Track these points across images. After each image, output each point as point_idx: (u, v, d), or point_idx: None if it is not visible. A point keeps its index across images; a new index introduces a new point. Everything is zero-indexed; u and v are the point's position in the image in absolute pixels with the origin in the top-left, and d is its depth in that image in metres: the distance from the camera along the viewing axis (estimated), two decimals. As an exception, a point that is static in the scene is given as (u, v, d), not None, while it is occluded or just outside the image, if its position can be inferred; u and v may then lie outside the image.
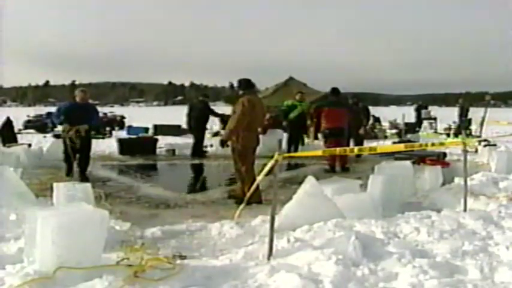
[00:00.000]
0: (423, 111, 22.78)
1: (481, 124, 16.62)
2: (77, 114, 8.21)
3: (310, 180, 4.83)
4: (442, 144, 8.84)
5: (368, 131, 11.49)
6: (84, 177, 8.04)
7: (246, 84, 6.58)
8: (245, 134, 6.31)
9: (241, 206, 5.14)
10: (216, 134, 16.28)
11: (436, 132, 20.32)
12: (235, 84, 6.75)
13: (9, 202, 5.21)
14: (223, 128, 11.69)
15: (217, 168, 10.59)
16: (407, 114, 19.00)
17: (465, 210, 5.18)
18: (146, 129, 18.36)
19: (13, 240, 4.15)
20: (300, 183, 4.98)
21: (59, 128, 10.81)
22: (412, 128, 19.10)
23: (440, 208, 5.35)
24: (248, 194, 5.32)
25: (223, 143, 6.51)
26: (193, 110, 12.05)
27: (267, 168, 4.14)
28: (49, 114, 23.43)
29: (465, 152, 5.51)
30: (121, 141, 12.52)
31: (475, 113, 18.73)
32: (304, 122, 11.88)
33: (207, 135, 13.73)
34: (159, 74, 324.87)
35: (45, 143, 12.92)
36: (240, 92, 6.51)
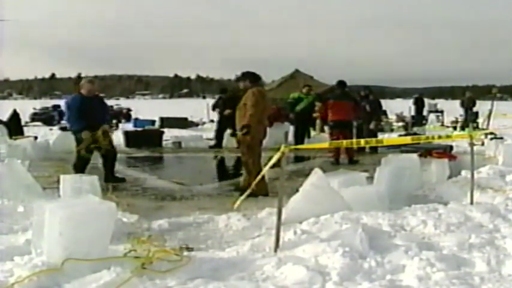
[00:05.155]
0: (429, 104, 22.70)
1: (488, 117, 16.56)
2: (90, 110, 7.06)
3: (316, 173, 4.81)
4: (448, 137, 8.80)
5: (376, 124, 11.40)
6: (119, 178, 7.50)
7: (253, 77, 6.57)
8: (255, 126, 6.29)
9: (242, 197, 5.09)
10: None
11: (442, 125, 20.24)
12: (239, 76, 6.67)
13: (17, 194, 5.26)
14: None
15: (224, 161, 10.61)
16: (413, 107, 18.88)
17: (472, 203, 5.15)
18: (153, 122, 18.40)
19: (21, 232, 4.18)
20: (307, 175, 4.96)
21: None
22: (420, 121, 19.05)
23: (447, 201, 5.33)
24: (252, 185, 5.25)
25: (244, 129, 6.23)
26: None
27: (273, 160, 4.13)
28: (55, 107, 23.54)
29: (472, 145, 5.48)
30: (127, 134, 12.56)
31: (482, 106, 18.62)
32: (311, 115, 11.87)
33: (214, 128, 13.76)
34: (165, 67, 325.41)
35: (51, 135, 12.98)
36: (248, 84, 6.48)
